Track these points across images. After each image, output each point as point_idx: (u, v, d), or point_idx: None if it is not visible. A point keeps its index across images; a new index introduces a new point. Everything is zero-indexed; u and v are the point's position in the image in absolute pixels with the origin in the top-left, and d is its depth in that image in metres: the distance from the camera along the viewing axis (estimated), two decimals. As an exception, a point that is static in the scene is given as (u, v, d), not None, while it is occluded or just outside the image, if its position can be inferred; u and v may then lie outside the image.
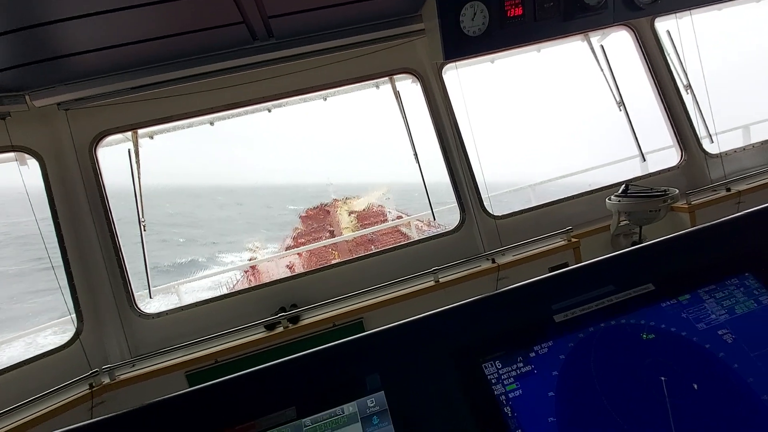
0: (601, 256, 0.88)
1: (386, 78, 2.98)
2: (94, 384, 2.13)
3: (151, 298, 2.80)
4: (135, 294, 2.56)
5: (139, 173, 2.75)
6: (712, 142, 3.23)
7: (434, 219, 3.21)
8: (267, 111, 3.18)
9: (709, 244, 0.86)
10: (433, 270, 2.55)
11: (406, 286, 2.56)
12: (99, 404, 2.12)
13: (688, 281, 0.81)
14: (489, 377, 0.72)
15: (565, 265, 2.64)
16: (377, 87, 3.23)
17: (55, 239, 2.37)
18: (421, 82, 2.92)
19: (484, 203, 2.88)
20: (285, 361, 0.79)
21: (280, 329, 2.38)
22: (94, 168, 2.53)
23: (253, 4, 1.81)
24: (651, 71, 3.20)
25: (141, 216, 2.73)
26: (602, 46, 3.21)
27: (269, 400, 0.72)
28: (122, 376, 2.23)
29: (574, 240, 2.67)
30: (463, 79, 3.08)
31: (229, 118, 3.14)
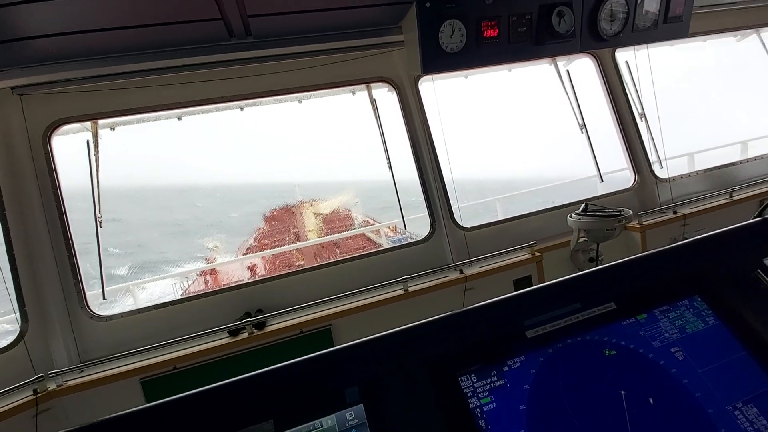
0: (568, 275, 0.93)
1: (363, 85, 3.01)
2: (39, 390, 1.97)
3: (104, 299, 2.64)
4: (87, 294, 2.40)
5: (97, 166, 2.60)
6: (662, 167, 3.49)
7: (405, 228, 3.24)
8: (239, 109, 3.11)
9: (664, 267, 0.94)
10: (403, 279, 2.58)
11: (375, 294, 2.57)
12: (44, 411, 1.97)
13: (645, 301, 0.88)
14: (465, 390, 0.75)
15: (529, 278, 2.76)
16: (353, 93, 3.24)
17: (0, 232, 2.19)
18: (397, 92, 2.96)
19: (454, 214, 2.95)
20: (262, 372, 0.77)
21: (245, 335, 2.31)
22: (48, 157, 2.36)
23: (233, 1, 1.77)
24: (610, 98, 3.43)
25: (98, 212, 2.57)
26: (567, 71, 3.39)
27: (246, 412, 0.71)
28: (70, 382, 2.08)
29: (537, 254, 2.79)
30: (438, 90, 3.16)
31: (198, 114, 3.04)
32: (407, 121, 2.95)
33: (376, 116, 3.03)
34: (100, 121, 2.59)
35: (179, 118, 2.87)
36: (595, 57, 3.38)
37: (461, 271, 2.71)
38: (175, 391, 0.75)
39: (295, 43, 2.32)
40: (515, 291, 0.92)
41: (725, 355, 0.81)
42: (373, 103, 3.01)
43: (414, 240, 3.04)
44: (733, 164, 3.92)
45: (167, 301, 2.57)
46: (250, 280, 2.71)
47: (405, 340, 0.81)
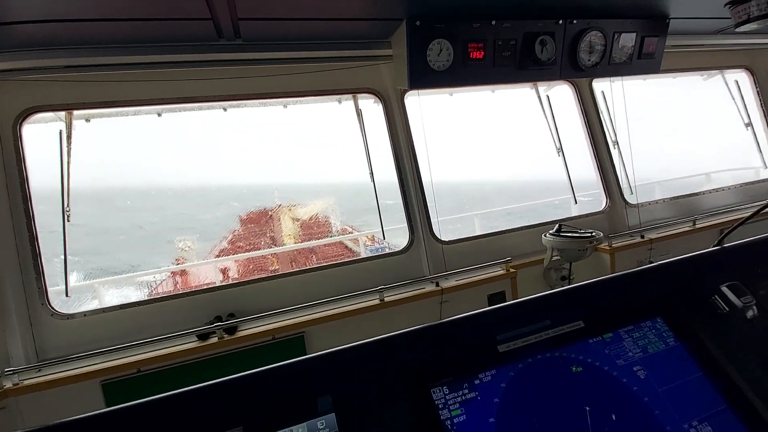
0: (540, 293, 0.97)
1: (349, 95, 3.03)
2: (-7, 388, 1.86)
3: (68, 296, 2.52)
4: (49, 290, 2.29)
5: (69, 158, 2.50)
6: (632, 193, 3.65)
7: (384, 238, 3.25)
8: (222, 110, 3.08)
9: (629, 289, 0.99)
10: (379, 289, 2.58)
11: (350, 302, 2.56)
12: None
13: (611, 321, 0.92)
14: (437, 402, 0.76)
15: (503, 293, 2.81)
16: (339, 102, 3.26)
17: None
18: (383, 104, 3.00)
19: (433, 227, 2.99)
20: (232, 378, 0.76)
21: (215, 339, 2.26)
22: (17, 145, 2.27)
23: (224, 3, 1.77)
24: (586, 124, 3.58)
25: (66, 205, 2.47)
26: (548, 96, 3.53)
27: (215, 419, 0.70)
28: (27, 381, 1.97)
29: (512, 270, 2.86)
30: (423, 104, 3.22)
31: (179, 111, 2.99)
32: (391, 133, 2.99)
33: (361, 126, 3.05)
34: (75, 112, 2.51)
35: (159, 115, 2.81)
36: (573, 85, 3.53)
37: (437, 284, 2.73)
38: (137, 395, 0.73)
39: (284, 48, 2.33)
40: (489, 306, 0.94)
41: (683, 375, 0.86)
42: (359, 113, 3.04)
43: (392, 251, 3.06)
44: (697, 194, 4.14)
45: (134, 301, 2.49)
46: (222, 283, 2.66)
47: (379, 351, 0.81)
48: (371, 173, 3.05)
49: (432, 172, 3.03)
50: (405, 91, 3.02)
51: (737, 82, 4.31)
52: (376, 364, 0.79)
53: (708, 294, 0.97)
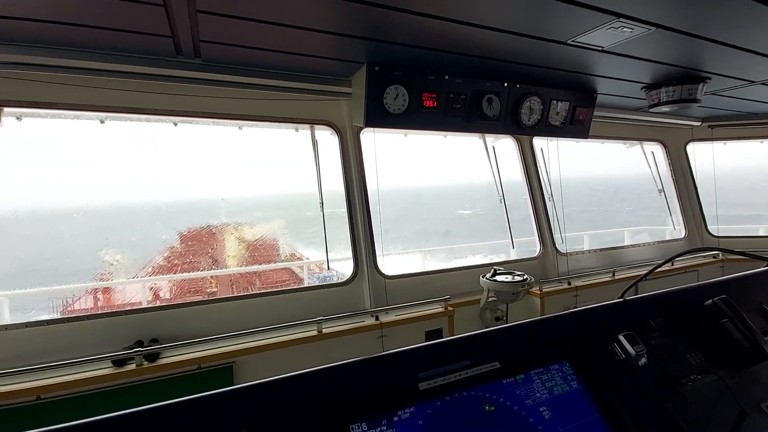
0: (465, 333, 1.03)
1: (307, 124, 3.09)
2: None
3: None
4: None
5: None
6: (563, 242, 3.97)
7: (329, 268, 3.24)
8: (173, 124, 2.99)
9: (542, 333, 1.08)
10: (318, 320, 2.54)
11: (287, 332, 2.50)
12: None
13: (524, 363, 0.99)
14: (354, 439, 0.77)
15: (440, 330, 2.88)
16: (296, 130, 3.31)
17: None
18: (339, 137, 3.08)
19: (378, 262, 3.04)
20: (140, 410, 0.73)
21: (132, 366, 2.08)
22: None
23: (186, 24, 1.78)
24: (526, 176, 3.89)
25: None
26: (494, 147, 3.82)
27: (117, 454, 0.66)
28: None
29: (450, 308, 2.95)
30: (378, 141, 3.34)
31: (125, 120, 2.87)
32: (345, 166, 3.06)
33: (315, 155, 3.09)
34: (6, 109, 2.33)
35: (102, 121, 2.67)
36: (517, 140, 3.86)
37: (377, 318, 2.75)
38: (33, 425, 0.67)
39: (245, 74, 2.36)
40: (425, 342, 0.99)
41: (582, 417, 0.94)
42: (315, 143, 3.09)
43: (337, 281, 3.05)
44: (619, 248, 4.58)
45: (42, 319, 2.25)
46: (149, 305, 2.48)
47: (299, 384, 0.81)
48: (321, 203, 3.07)
49: (381, 206, 3.11)
50: (361, 128, 3.13)
51: (653, 153, 4.94)
52: (296, 400, 0.79)
53: (608, 342, 1.08)
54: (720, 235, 4.89)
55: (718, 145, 4.85)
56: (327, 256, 3.21)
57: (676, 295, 1.32)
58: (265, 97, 2.70)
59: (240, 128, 3.29)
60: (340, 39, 1.99)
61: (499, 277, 2.94)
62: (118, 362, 2.08)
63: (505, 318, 3.13)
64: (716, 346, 1.17)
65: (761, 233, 5.78)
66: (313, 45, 2.07)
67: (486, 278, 2.98)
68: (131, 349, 2.16)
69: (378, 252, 3.05)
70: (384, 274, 3.06)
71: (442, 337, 2.83)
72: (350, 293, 2.98)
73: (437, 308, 2.94)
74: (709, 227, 4.90)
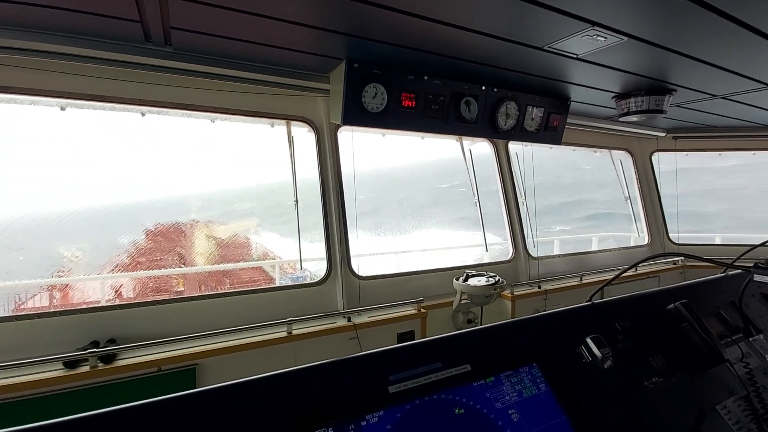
0: (436, 335, 1.01)
1: (283, 120, 3.02)
2: None
3: None
4: None
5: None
6: (534, 246, 4.05)
7: (301, 268, 3.18)
8: (140, 114, 2.86)
9: (512, 336, 1.08)
10: (288, 321, 2.48)
11: (255, 333, 2.42)
12: None
13: (494, 365, 0.99)
14: (319, 445, 0.74)
15: (412, 332, 2.87)
16: (272, 126, 3.23)
17: None
18: (316, 135, 3.03)
19: (352, 263, 3.00)
20: (90, 415, 0.67)
21: (86, 368, 1.96)
22: None
23: (156, 9, 1.70)
24: (501, 181, 3.95)
25: None
26: (470, 150, 3.85)
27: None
28: None
29: (423, 310, 2.95)
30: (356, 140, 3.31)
31: (88, 108, 2.71)
32: (321, 164, 3.01)
33: (291, 152, 3.03)
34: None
35: (62, 108, 2.52)
36: (493, 144, 3.91)
37: (349, 319, 2.71)
38: None
39: (219, 64, 2.27)
40: (397, 344, 0.96)
41: (549, 419, 0.94)
42: (291, 139, 3.02)
43: (309, 282, 2.99)
44: (586, 253, 4.72)
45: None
46: (108, 303, 2.35)
47: (265, 388, 0.78)
48: (296, 201, 3.01)
49: (357, 207, 3.08)
50: (339, 126, 3.09)
51: (621, 161, 5.13)
52: (258, 404, 0.75)
53: (576, 345, 1.09)
54: (680, 242, 5.13)
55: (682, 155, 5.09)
56: (300, 255, 3.15)
57: (640, 299, 1.35)
58: (240, 89, 2.61)
59: (213, 121, 3.18)
60: (320, 33, 1.95)
61: (471, 280, 2.96)
62: (70, 364, 1.96)
63: (477, 320, 3.16)
64: (677, 349, 1.21)
65: (717, 241, 6.11)
66: (291, 38, 2.02)
67: (459, 280, 3.00)
68: (85, 349, 2.03)
69: (352, 252, 3.01)
70: (358, 275, 3.03)
71: (414, 340, 2.82)
72: (323, 294, 2.93)
73: (410, 310, 2.93)
74: (670, 234, 5.13)
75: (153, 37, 1.96)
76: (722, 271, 1.61)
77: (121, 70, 2.17)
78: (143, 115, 2.81)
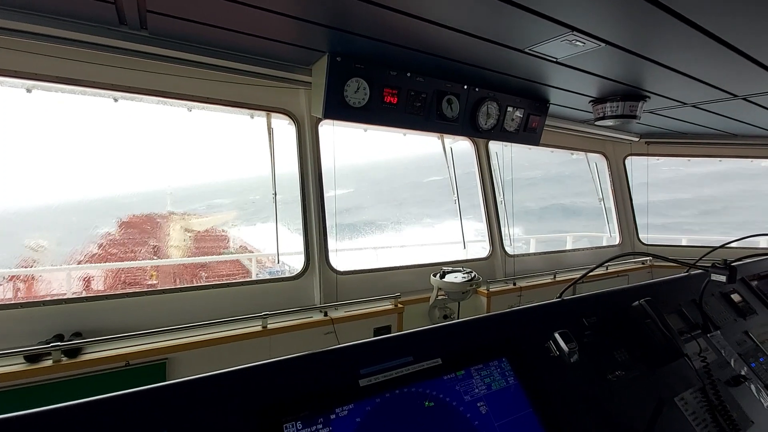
0: (409, 329, 1.02)
1: (263, 111, 2.97)
2: None
3: None
4: None
5: None
6: (510, 245, 4.13)
7: (278, 261, 3.14)
8: (113, 100, 2.76)
9: (483, 331, 1.10)
10: (263, 315, 2.45)
11: (229, 327, 2.38)
12: None
13: (465, 359, 1.00)
14: (287, 438, 0.73)
15: (389, 327, 2.89)
16: (252, 117, 3.17)
17: None
18: (296, 128, 2.99)
19: (330, 257, 2.99)
20: (48, 410, 0.65)
21: (49, 362, 1.89)
22: None
23: (132, -10, 1.64)
24: (481, 179, 4.00)
25: None
26: (451, 148, 3.89)
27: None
28: None
29: (399, 305, 2.97)
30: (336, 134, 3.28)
31: (56, 92, 2.60)
32: (301, 157, 2.98)
33: (270, 144, 2.99)
34: None
35: (28, 90, 2.40)
36: (473, 142, 3.96)
37: (326, 314, 2.70)
38: None
39: (197, 51, 2.21)
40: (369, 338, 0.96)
41: (516, 411, 0.96)
42: (270, 131, 2.97)
43: (286, 276, 2.96)
44: (561, 251, 4.85)
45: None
46: (74, 296, 2.27)
47: (231, 384, 0.76)
48: (274, 194, 2.97)
49: (336, 202, 3.07)
50: (320, 120, 3.06)
51: (596, 164, 5.28)
52: (226, 399, 0.74)
53: (544, 339, 1.13)
54: (649, 243, 5.32)
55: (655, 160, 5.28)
56: (277, 249, 3.12)
57: (608, 296, 1.40)
58: (219, 78, 2.55)
59: (190, 110, 3.09)
60: (303, 24, 1.92)
61: (448, 276, 2.99)
62: (32, 358, 1.88)
63: (453, 316, 3.21)
64: (640, 344, 1.26)
65: (684, 243, 6.37)
66: (273, 28, 1.98)
67: (436, 276, 3.03)
68: (48, 343, 1.96)
69: (330, 247, 3.00)
70: (335, 270, 3.02)
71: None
72: (300, 288, 2.91)
73: (387, 305, 2.94)
74: (640, 236, 5.32)
75: (128, 20, 1.89)
76: (685, 270, 1.68)
77: (93, 52, 2.08)
78: (116, 100, 2.71)
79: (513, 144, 3.73)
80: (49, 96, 2.65)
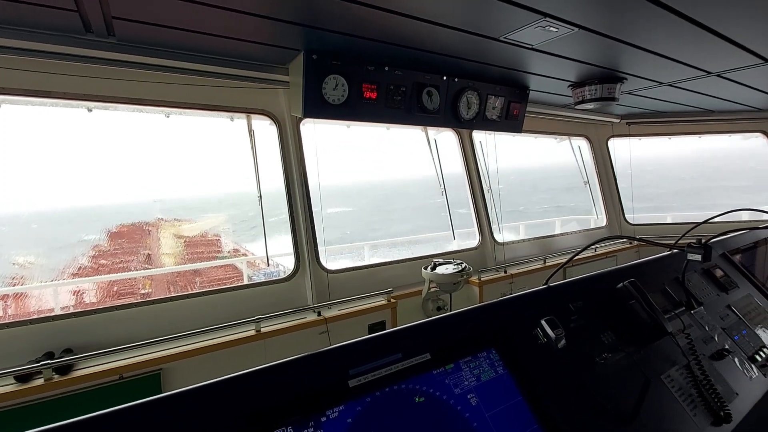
0: (399, 326, 1.03)
1: (243, 113, 2.93)
2: None
3: None
4: None
5: None
6: (500, 233, 4.16)
7: (268, 264, 3.13)
8: (87, 110, 2.70)
9: (470, 323, 1.11)
10: (256, 318, 2.44)
11: (222, 334, 2.37)
12: None
13: (454, 352, 1.01)
14: (278, 444, 0.73)
15: (383, 323, 2.90)
16: (231, 119, 3.13)
17: None
18: (278, 128, 2.96)
19: (320, 256, 2.98)
20: (51, 428, 0.64)
21: (40, 381, 1.86)
22: None
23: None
24: (467, 169, 4.01)
25: None
26: (435, 140, 3.89)
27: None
28: None
29: (393, 300, 2.98)
30: (320, 131, 3.26)
31: (26, 105, 2.53)
32: (284, 158, 2.95)
33: (252, 147, 2.95)
34: None
35: (-3, 105, 2.34)
36: (457, 133, 3.96)
37: (319, 313, 2.70)
38: None
39: (169, 56, 2.17)
40: (363, 336, 0.96)
41: (506, 400, 0.98)
42: (251, 133, 2.94)
43: (278, 278, 2.95)
44: (550, 236, 4.90)
45: None
46: (62, 312, 2.23)
47: (220, 393, 0.76)
48: (260, 196, 2.94)
49: (323, 201, 3.05)
50: (301, 119, 3.03)
51: (579, 147, 5.32)
52: (216, 408, 0.74)
53: (532, 327, 1.14)
54: (635, 223, 5.41)
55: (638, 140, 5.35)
56: (267, 251, 3.10)
57: (593, 279, 1.42)
58: (194, 82, 2.50)
59: (167, 116, 3.04)
60: (275, 24, 1.90)
61: (439, 269, 3.01)
62: (22, 378, 1.85)
63: (446, 308, 3.23)
64: (625, 325, 1.28)
65: (669, 221, 6.49)
66: (245, 29, 1.95)
67: (427, 269, 3.04)
68: (39, 361, 1.93)
69: (320, 246, 2.99)
70: (326, 269, 3.02)
71: (385, 330, 2.83)
72: (292, 289, 2.90)
73: (380, 301, 2.95)
74: (626, 215, 5.40)
75: (93, 27, 1.84)
76: (668, 249, 1.71)
77: (62, 63, 2.02)
78: (90, 110, 2.65)
79: (497, 132, 3.75)
80: (16, 109, 2.59)
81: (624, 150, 5.32)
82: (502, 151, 4.19)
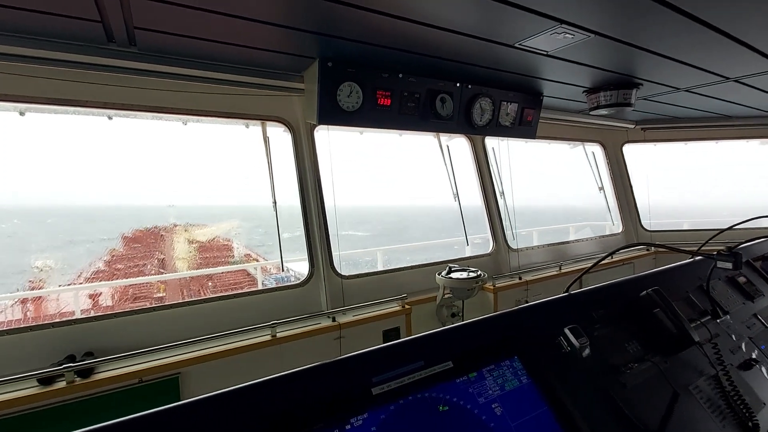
0: (418, 333, 1.02)
1: (258, 120, 2.97)
2: None
3: None
4: None
5: None
6: (514, 239, 4.12)
7: (282, 269, 3.14)
8: (107, 118, 2.76)
9: (491, 330, 1.10)
10: (272, 324, 2.45)
11: (239, 338, 2.38)
12: None
13: (476, 361, 1.00)
14: (304, 452, 0.73)
15: (398, 329, 2.88)
16: (247, 126, 3.17)
17: None
18: (292, 135, 2.99)
19: (334, 262, 2.99)
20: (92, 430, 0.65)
21: (62, 384, 1.89)
22: None
23: (117, 9, 1.63)
24: (479, 175, 4.00)
25: None
26: (447, 146, 3.88)
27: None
28: None
29: (407, 306, 2.96)
30: (333, 138, 3.28)
31: (50, 113, 2.60)
32: (298, 164, 2.98)
33: (267, 153, 2.99)
34: None
35: (22, 113, 2.41)
36: (470, 139, 3.95)
37: (334, 319, 2.70)
38: None
39: (188, 65, 2.21)
40: (384, 342, 0.96)
41: (532, 410, 0.96)
42: (266, 140, 2.97)
43: (292, 283, 2.96)
44: (565, 243, 4.84)
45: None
46: (83, 316, 2.27)
47: (243, 400, 0.76)
48: (274, 202, 2.97)
49: (337, 207, 3.06)
50: (315, 125, 3.06)
51: (594, 153, 5.26)
52: (239, 415, 0.74)
53: (555, 335, 1.12)
54: (652, 229, 5.31)
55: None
56: (281, 256, 3.12)
57: (615, 287, 1.39)
58: (211, 90, 2.55)
59: (185, 123, 3.10)
60: (291, 32, 1.92)
61: (454, 274, 2.99)
62: (45, 380, 1.88)
63: (460, 314, 3.20)
64: (650, 334, 1.25)
65: (686, 227, 6.36)
66: (262, 37, 1.98)
67: (441, 275, 3.02)
68: (61, 364, 1.96)
69: (334, 252, 3.00)
70: (340, 274, 3.02)
71: (399, 336, 2.84)
72: (306, 295, 2.91)
73: (395, 307, 2.94)
74: (642, 222, 5.31)
75: (116, 37, 1.89)
76: (690, 257, 1.68)
77: (85, 72, 2.08)
78: (110, 118, 2.71)
79: (510, 138, 3.73)
80: (41, 117, 2.66)
81: (640, 155, 5.25)
82: (514, 158, 4.17)
